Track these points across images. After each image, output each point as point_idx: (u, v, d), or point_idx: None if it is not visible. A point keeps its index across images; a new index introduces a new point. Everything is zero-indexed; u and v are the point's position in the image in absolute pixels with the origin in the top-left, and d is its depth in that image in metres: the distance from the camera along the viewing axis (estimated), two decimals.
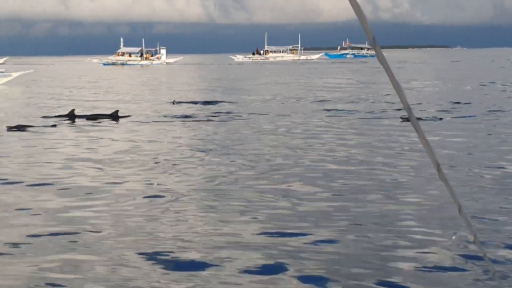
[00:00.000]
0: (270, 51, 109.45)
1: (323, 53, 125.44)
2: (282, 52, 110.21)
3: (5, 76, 36.19)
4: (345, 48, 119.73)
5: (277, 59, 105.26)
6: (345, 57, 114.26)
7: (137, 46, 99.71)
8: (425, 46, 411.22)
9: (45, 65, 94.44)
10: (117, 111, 19.63)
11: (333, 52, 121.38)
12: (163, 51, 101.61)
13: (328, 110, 21.57)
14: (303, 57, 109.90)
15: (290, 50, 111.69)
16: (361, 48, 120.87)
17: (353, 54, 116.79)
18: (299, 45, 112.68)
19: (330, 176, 10.14)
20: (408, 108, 1.52)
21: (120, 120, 18.95)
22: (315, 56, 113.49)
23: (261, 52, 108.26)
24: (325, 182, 9.69)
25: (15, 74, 36.74)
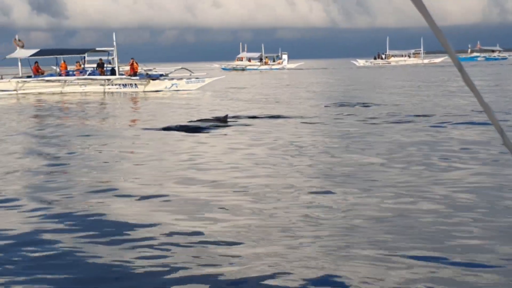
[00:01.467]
0: (392, 55, 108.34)
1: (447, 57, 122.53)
2: (404, 56, 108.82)
3: (199, 81, 38.26)
4: (476, 51, 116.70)
5: (400, 63, 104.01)
6: (476, 59, 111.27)
7: (259, 51, 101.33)
8: None
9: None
10: (226, 116, 19.36)
11: (463, 55, 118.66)
12: (284, 56, 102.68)
13: None
14: (425, 61, 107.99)
15: (413, 54, 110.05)
16: (493, 51, 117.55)
17: (484, 57, 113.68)
18: (422, 49, 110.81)
19: None
20: (487, 107, 1.52)
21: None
22: (438, 60, 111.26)
23: (383, 56, 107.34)
24: None
25: (208, 80, 38.70)
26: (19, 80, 39.44)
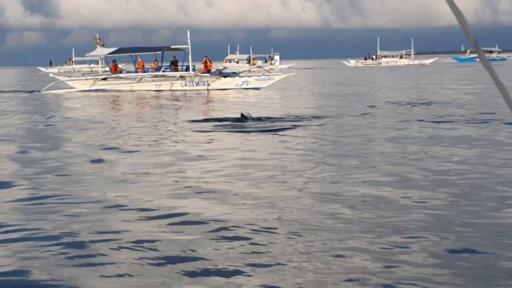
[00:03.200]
0: (383, 56, 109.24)
1: (451, 57, 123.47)
2: (394, 57, 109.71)
3: (269, 79, 38.55)
4: (474, 52, 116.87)
5: (390, 64, 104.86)
6: (475, 60, 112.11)
7: (253, 52, 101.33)
8: None
9: None
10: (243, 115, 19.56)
11: (462, 56, 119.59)
12: (276, 57, 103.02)
13: None
14: (416, 62, 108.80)
15: (404, 54, 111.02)
16: (491, 51, 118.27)
17: None
18: (412, 50, 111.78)
19: None
20: None
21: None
22: (428, 61, 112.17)
23: (373, 57, 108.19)
24: None
25: (278, 78, 39.00)
26: (97, 78, 40.39)
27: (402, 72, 69.70)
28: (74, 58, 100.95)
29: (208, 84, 38.13)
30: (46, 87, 39.30)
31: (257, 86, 37.72)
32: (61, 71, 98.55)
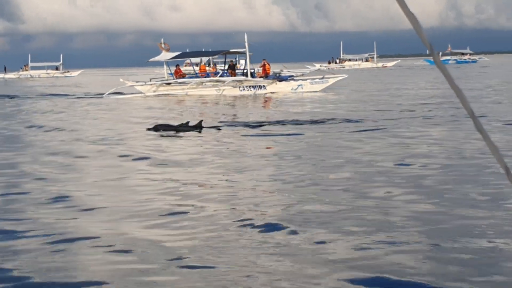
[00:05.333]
0: (347, 59, 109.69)
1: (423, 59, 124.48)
2: (358, 60, 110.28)
3: (323, 82, 38.04)
4: (447, 54, 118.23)
5: (354, 67, 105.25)
6: (448, 62, 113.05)
7: (222, 57, 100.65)
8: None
9: None
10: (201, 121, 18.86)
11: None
12: (242, 61, 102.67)
13: None
14: (379, 64, 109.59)
15: (368, 58, 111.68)
16: (463, 54, 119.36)
17: (455, 59, 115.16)
18: (375, 53, 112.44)
19: None
20: (471, 112, 1.54)
21: None
22: (391, 64, 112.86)
23: (337, 60, 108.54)
24: None
25: (332, 81, 38.35)
26: (161, 82, 40.05)
27: (355, 77, 70.06)
28: (30, 64, 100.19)
29: (264, 88, 37.56)
30: (109, 91, 39.02)
31: (312, 90, 37.22)
32: (19, 77, 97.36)
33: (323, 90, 37.03)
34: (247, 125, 19.80)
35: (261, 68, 39.84)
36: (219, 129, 18.80)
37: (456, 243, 6.80)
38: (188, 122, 18.91)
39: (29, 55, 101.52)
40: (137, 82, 42.99)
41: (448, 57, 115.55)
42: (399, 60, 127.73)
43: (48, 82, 75.89)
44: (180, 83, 39.12)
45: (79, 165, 13.06)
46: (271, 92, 36.92)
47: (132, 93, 39.08)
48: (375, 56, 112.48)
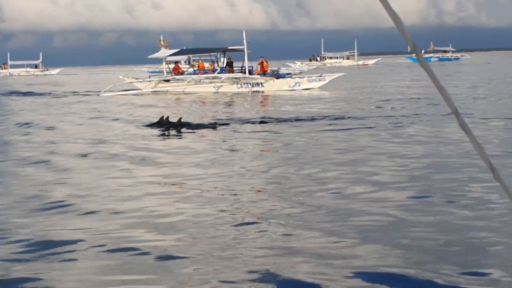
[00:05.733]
0: (327, 57, 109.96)
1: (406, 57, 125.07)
2: (338, 58, 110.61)
3: (320, 80, 37.97)
4: (429, 52, 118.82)
5: (334, 65, 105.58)
6: (430, 60, 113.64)
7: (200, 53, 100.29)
8: (492, 49, 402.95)
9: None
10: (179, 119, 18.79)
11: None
12: (222, 59, 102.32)
13: None
14: (360, 62, 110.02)
15: (348, 56, 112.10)
16: (445, 51, 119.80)
17: (437, 57, 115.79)
18: (355, 51, 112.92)
19: None
20: (455, 111, 1.54)
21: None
22: (371, 62, 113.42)
23: (317, 58, 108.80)
24: None
25: (329, 78, 38.29)
26: (160, 79, 40.34)
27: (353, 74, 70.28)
28: (9, 62, 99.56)
29: (262, 86, 37.57)
30: (105, 88, 38.87)
31: (308, 87, 37.30)
32: None
33: (320, 88, 37.03)
34: (235, 122, 19.93)
35: (259, 65, 39.90)
36: (206, 127, 18.69)
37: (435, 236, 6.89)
38: (168, 117, 18.95)
39: (8, 53, 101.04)
40: (136, 79, 43.20)
41: (431, 55, 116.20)
42: (380, 58, 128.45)
43: (29, 80, 75.31)
44: (177, 80, 39.27)
45: (59, 164, 12.93)
46: (268, 90, 36.96)
47: (126, 90, 38.96)
48: (355, 54, 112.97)
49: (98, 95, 37.87)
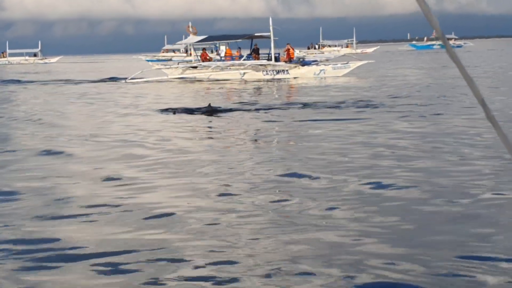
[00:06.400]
0: (326, 46, 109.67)
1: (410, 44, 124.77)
2: (337, 46, 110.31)
3: (345, 67, 37.63)
4: (432, 39, 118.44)
5: (333, 53, 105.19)
6: (433, 47, 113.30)
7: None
8: (492, 37, 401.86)
9: None
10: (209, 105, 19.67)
11: (420, 43, 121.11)
12: (222, 47, 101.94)
13: None
14: (358, 50, 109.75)
15: (347, 44, 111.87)
16: (448, 39, 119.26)
17: (440, 44, 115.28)
18: (354, 39, 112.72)
19: None
20: (482, 101, 1.50)
21: None
22: (370, 50, 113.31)
23: (316, 46, 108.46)
24: None
25: (353, 65, 37.94)
26: (187, 66, 40.55)
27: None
28: (8, 51, 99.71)
29: (287, 73, 37.53)
30: (133, 75, 38.39)
31: (333, 75, 37.08)
32: None
33: (345, 75, 36.73)
34: (257, 108, 20.28)
35: (285, 52, 39.80)
36: (232, 111, 19.38)
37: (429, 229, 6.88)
38: (209, 104, 19.72)
39: (6, 42, 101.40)
40: (164, 65, 43.38)
41: (434, 42, 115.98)
42: (379, 46, 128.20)
43: (30, 69, 75.30)
44: (204, 66, 39.47)
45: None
46: (294, 77, 36.84)
47: (145, 78, 38.78)
48: (354, 42, 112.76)
49: (124, 81, 37.76)
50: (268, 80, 36.31)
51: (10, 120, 19.50)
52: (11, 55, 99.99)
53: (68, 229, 7.16)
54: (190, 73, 39.44)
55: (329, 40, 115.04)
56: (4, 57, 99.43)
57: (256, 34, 40.56)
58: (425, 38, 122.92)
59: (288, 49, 39.81)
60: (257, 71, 38.16)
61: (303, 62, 39.18)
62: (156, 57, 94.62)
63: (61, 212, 7.90)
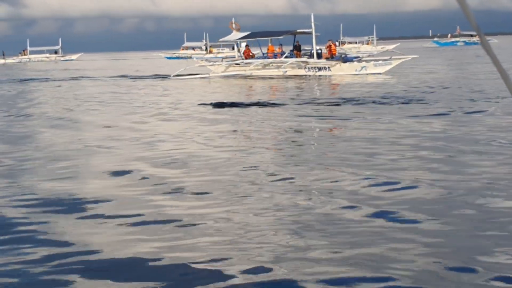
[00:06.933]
0: (346, 42, 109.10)
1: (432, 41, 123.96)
2: (357, 43, 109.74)
3: (386, 64, 36.94)
4: (456, 36, 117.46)
5: (353, 50, 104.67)
6: (456, 44, 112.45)
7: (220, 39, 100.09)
8: None
9: None
10: None
11: (444, 40, 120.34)
12: (243, 44, 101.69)
13: None
14: (379, 47, 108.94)
15: (368, 40, 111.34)
16: (471, 35, 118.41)
17: (463, 41, 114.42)
18: (374, 35, 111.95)
19: None
20: None
21: None
22: (391, 47, 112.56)
23: (336, 43, 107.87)
24: None
25: (395, 62, 37.13)
26: (231, 63, 40.88)
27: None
28: (29, 48, 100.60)
29: (329, 70, 37.27)
30: (176, 72, 39.48)
31: (374, 72, 36.47)
32: (20, 61, 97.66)
33: (387, 72, 36.02)
34: (297, 103, 20.74)
35: (327, 49, 39.33)
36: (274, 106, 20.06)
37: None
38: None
39: (27, 40, 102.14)
40: (208, 62, 43.77)
41: (457, 39, 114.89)
42: (399, 43, 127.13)
43: (58, 66, 75.89)
44: (246, 63, 39.63)
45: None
46: (335, 74, 36.46)
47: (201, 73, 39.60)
48: (374, 39, 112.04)
49: (169, 78, 38.85)
50: (309, 77, 36.27)
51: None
52: (32, 52, 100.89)
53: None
54: (232, 70, 39.68)
55: (349, 37, 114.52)
56: (25, 54, 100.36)
57: (298, 31, 40.37)
58: (449, 35, 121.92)
59: (330, 45, 39.32)
60: (299, 68, 38.05)
61: (345, 59, 38.43)
62: (176, 55, 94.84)
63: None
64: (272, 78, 36.11)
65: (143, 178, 9.67)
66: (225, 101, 21.62)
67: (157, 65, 69.36)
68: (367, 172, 9.39)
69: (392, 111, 17.69)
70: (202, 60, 45.00)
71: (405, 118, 15.85)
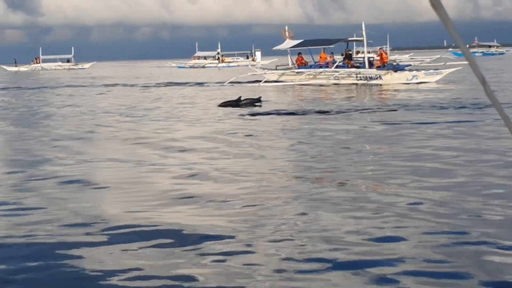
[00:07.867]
0: (361, 52, 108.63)
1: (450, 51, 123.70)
2: (371, 52, 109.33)
3: (437, 73, 36.56)
4: (473, 47, 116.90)
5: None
6: (475, 55, 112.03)
7: (238, 49, 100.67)
8: None
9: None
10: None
11: (460, 51, 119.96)
12: (258, 53, 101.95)
13: None
14: (392, 57, 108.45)
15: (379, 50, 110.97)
16: (489, 46, 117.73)
17: (482, 52, 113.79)
18: (388, 45, 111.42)
19: None
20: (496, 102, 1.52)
21: None
22: (404, 57, 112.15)
23: (350, 52, 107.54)
24: None
25: (445, 72, 36.64)
26: (283, 72, 41.02)
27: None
28: (42, 57, 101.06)
29: (380, 78, 36.84)
30: (230, 80, 40.11)
31: (425, 81, 35.96)
32: (34, 69, 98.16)
33: (437, 82, 35.41)
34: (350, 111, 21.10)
35: (379, 57, 39.19)
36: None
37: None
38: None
39: (39, 48, 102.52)
40: (263, 69, 43.85)
41: (475, 50, 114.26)
42: (412, 53, 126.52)
43: (66, 74, 76.15)
44: (298, 72, 39.65)
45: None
46: (386, 83, 35.87)
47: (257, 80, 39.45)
48: (388, 48, 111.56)
49: (223, 85, 39.58)
50: (360, 86, 36.00)
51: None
52: (45, 61, 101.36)
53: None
54: (285, 78, 39.61)
55: (362, 47, 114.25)
56: (37, 63, 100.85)
57: (349, 39, 40.52)
58: (467, 46, 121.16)
59: (381, 54, 39.23)
60: (350, 76, 37.97)
61: (396, 68, 38.12)
62: (188, 64, 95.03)
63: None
64: (323, 86, 36.18)
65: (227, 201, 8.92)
66: (285, 109, 21.87)
67: (196, 73, 69.30)
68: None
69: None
70: (256, 68, 44.99)
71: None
